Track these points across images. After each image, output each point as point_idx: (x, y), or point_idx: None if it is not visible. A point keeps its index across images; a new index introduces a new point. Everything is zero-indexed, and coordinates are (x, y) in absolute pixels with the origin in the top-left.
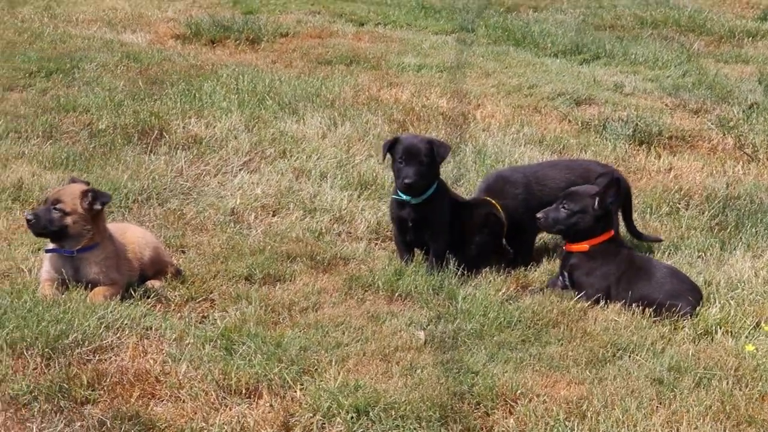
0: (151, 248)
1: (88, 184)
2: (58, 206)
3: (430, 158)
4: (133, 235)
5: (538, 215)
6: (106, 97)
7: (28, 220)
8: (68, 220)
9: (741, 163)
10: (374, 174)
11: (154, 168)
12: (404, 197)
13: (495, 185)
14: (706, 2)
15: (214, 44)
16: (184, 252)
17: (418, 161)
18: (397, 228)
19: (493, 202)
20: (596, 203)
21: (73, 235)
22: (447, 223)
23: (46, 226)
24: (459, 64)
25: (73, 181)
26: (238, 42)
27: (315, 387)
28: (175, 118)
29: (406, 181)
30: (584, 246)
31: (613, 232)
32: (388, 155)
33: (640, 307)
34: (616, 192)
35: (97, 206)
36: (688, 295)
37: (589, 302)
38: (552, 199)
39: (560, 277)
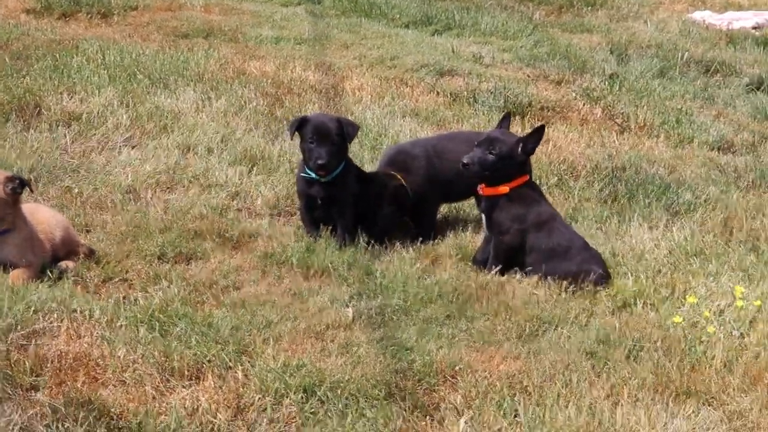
0: (62, 228)
1: None
2: None
3: (341, 137)
4: (43, 215)
5: (464, 160)
6: None
7: None
8: None
9: (614, 133)
10: (261, 149)
11: (38, 146)
12: (314, 175)
13: (397, 159)
14: None
15: (66, 18)
16: (89, 231)
17: (330, 141)
18: (304, 205)
19: (398, 175)
20: (520, 149)
21: None
22: (355, 199)
23: None
24: (318, 36)
25: None
26: (90, 16)
27: (258, 367)
28: (48, 95)
29: (320, 161)
30: (505, 188)
31: (528, 176)
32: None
33: (556, 279)
34: (539, 139)
35: (19, 190)
36: (600, 265)
37: (505, 246)
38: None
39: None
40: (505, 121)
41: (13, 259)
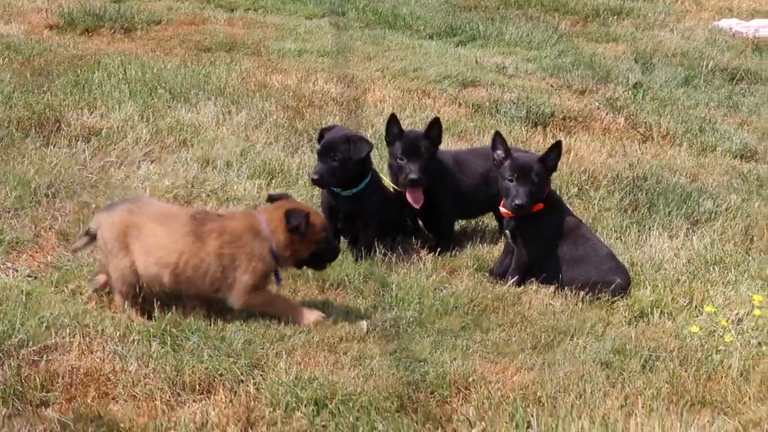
0: None
1: None
2: None
3: (345, 155)
4: None
5: (518, 203)
6: None
7: None
8: None
9: (636, 142)
10: (280, 162)
11: (57, 161)
12: (335, 189)
13: None
14: None
15: (89, 33)
16: None
17: (332, 158)
18: (327, 217)
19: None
20: (544, 169)
21: None
22: (378, 214)
23: None
24: (340, 48)
25: None
26: (113, 31)
27: (270, 381)
28: (68, 110)
29: (313, 176)
30: (540, 206)
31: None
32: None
33: (574, 288)
34: (558, 154)
35: None
36: (623, 275)
37: (530, 258)
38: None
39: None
40: (436, 127)
41: None
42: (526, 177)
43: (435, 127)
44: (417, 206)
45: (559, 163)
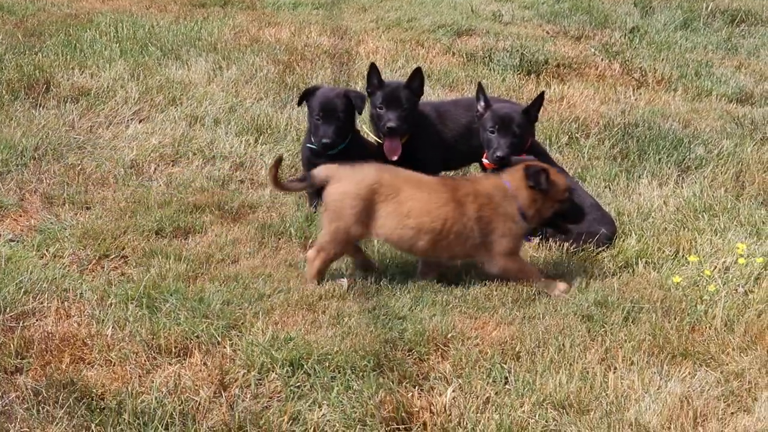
0: None
1: None
2: None
3: (347, 113)
4: None
5: (499, 155)
6: None
7: None
8: None
9: (631, 88)
10: (268, 118)
11: (45, 123)
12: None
13: None
14: None
15: None
16: (89, 209)
17: (336, 118)
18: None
19: None
20: (527, 120)
21: None
22: None
23: None
24: (334, 0)
25: None
26: None
27: (245, 342)
28: (59, 71)
29: (325, 140)
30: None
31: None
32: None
33: (557, 240)
34: (540, 106)
35: None
36: (608, 225)
37: None
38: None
39: None
40: (417, 77)
41: None
42: (507, 128)
43: (416, 77)
44: (393, 157)
45: (551, 112)
